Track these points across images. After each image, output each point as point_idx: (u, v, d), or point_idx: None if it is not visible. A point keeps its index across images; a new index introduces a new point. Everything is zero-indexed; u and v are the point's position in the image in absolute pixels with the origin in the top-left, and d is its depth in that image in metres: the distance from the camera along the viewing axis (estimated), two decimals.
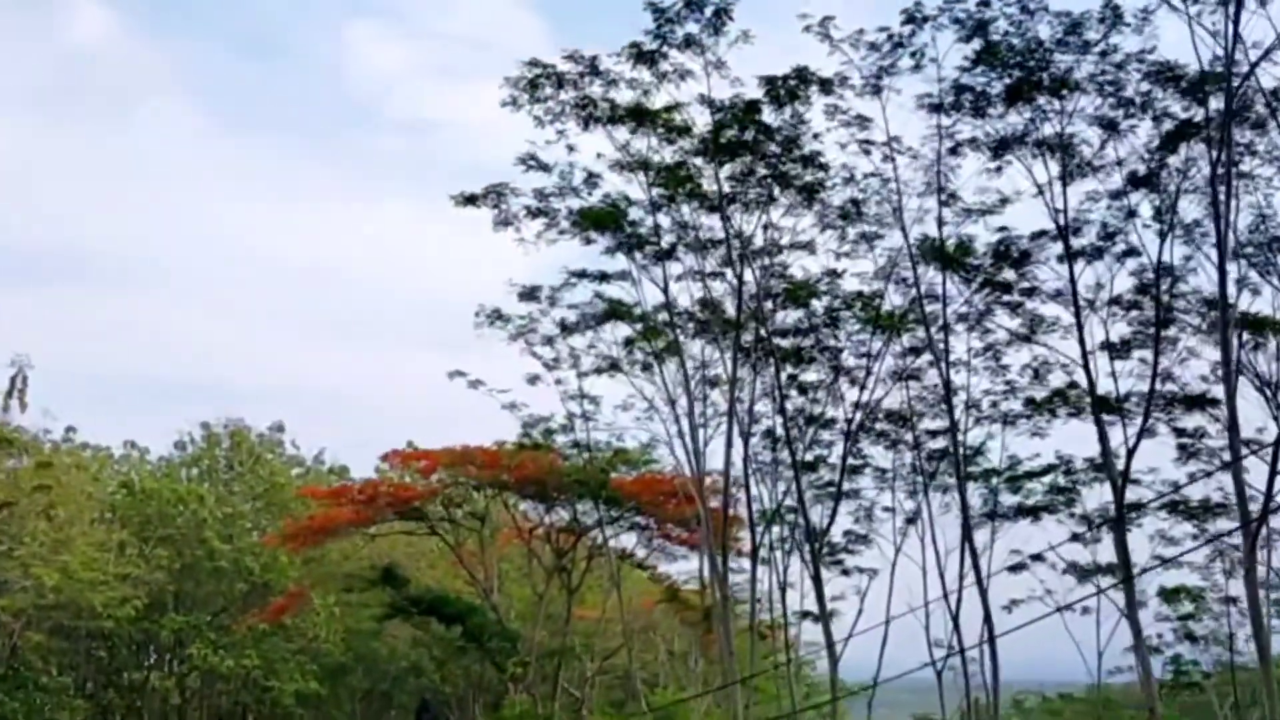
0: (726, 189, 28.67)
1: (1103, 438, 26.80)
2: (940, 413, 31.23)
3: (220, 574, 56.94)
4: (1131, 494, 28.19)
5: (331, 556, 54.29)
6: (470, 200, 30.01)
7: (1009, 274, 28.25)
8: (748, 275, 29.51)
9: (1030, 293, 28.36)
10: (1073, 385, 28.86)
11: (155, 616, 54.88)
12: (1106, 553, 30.87)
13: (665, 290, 30.55)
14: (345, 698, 66.82)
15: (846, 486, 32.66)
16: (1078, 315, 26.27)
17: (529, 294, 32.38)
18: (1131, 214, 26.41)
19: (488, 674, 68.04)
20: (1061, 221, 26.06)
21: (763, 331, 30.30)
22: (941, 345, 28.56)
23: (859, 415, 30.05)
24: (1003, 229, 27.91)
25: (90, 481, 55.97)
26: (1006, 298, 28.83)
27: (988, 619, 27.32)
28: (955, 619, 29.10)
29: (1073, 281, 26.28)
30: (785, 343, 30.96)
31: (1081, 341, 26.42)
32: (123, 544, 52.90)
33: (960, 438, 29.58)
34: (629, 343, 33.75)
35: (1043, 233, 27.21)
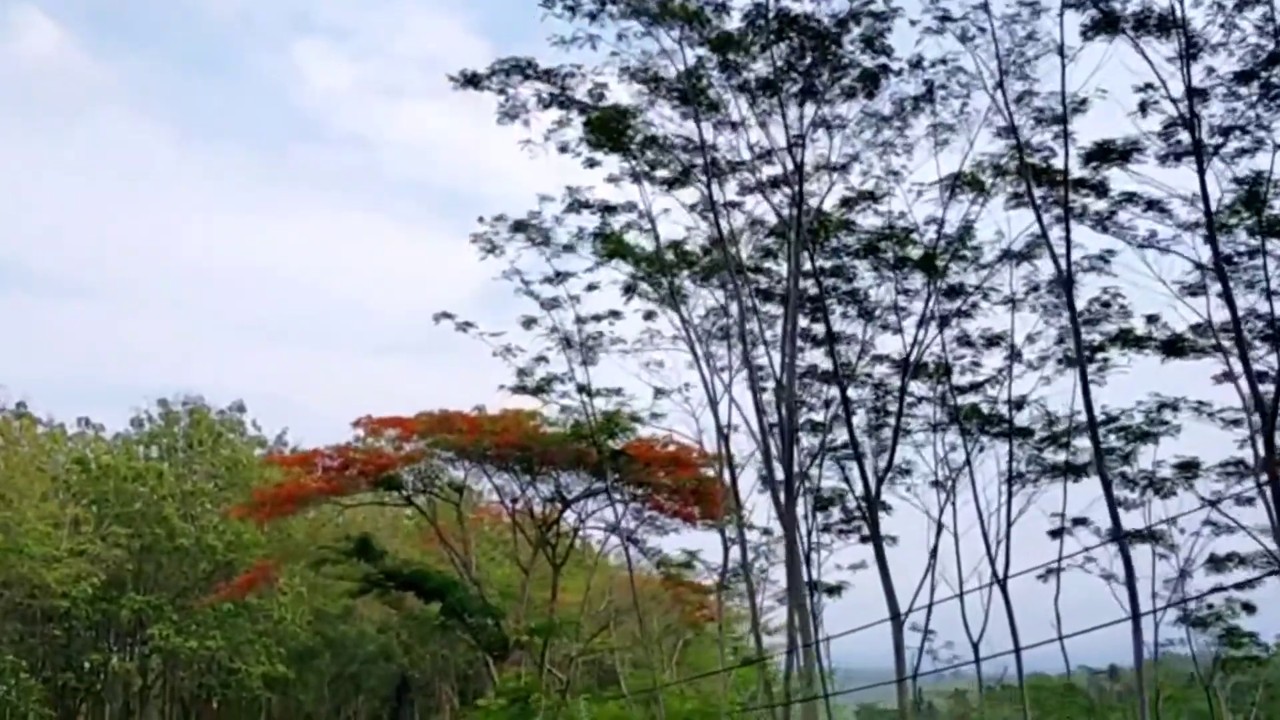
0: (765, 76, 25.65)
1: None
2: (977, 363, 29.03)
3: (181, 553, 54.30)
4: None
5: (298, 534, 51.73)
6: (472, 81, 26.96)
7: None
8: (776, 200, 27.04)
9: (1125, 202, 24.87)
10: (1153, 318, 26.09)
11: (114, 596, 52.22)
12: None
13: (718, 214, 27.45)
14: (313, 682, 64.36)
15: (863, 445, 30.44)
16: (1209, 217, 22.30)
17: (520, 226, 29.75)
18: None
19: (457, 658, 66.09)
20: (1183, 111, 22.17)
21: (785, 269, 27.84)
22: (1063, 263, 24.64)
23: (915, 352, 27.32)
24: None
25: (43, 456, 53.28)
26: (1098, 206, 25.19)
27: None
28: (1004, 586, 26.53)
29: (1202, 178, 22.10)
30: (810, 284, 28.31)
31: (1216, 252, 22.98)
32: (77, 520, 50.31)
33: (1008, 387, 27.41)
34: (629, 290, 31.26)
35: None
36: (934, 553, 27.91)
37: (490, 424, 41.07)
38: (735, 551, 32.27)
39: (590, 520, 44.90)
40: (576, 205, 29.19)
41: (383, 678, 68.38)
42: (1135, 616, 23.05)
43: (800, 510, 30.00)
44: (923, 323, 27.06)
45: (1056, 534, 29.96)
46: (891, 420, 29.77)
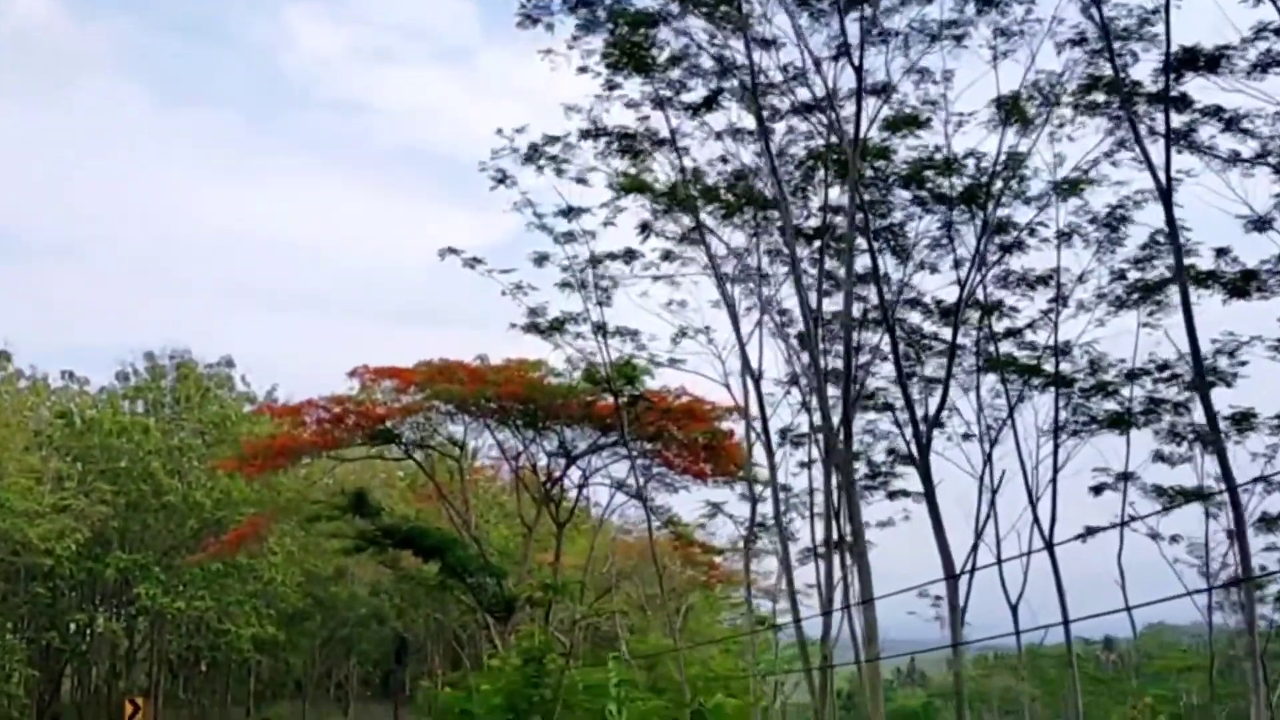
0: None
1: None
2: (1015, 309, 27.19)
3: (169, 510, 52.46)
4: None
5: (289, 491, 49.83)
6: None
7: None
8: (805, 127, 25.13)
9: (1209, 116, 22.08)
10: (1223, 251, 23.87)
11: (99, 554, 50.45)
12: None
13: (766, 129, 25.43)
14: (304, 644, 62.74)
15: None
16: None
17: (532, 155, 27.68)
18: None
19: (450, 621, 64.43)
20: None
21: (817, 203, 25.96)
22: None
23: (965, 291, 25.31)
24: None
25: (25, 409, 51.35)
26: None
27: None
28: (1051, 548, 24.70)
29: None
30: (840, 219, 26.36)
31: None
32: (60, 475, 48.43)
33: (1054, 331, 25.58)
34: (645, 228, 29.32)
35: None
36: (992, 504, 26.09)
37: (493, 374, 39.23)
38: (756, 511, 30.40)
39: (595, 479, 43.35)
40: (594, 132, 27.21)
41: (375, 641, 66.80)
42: (1246, 578, 21.16)
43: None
44: (975, 261, 25.05)
45: (1098, 490, 28.24)
46: (921, 371, 28.13)
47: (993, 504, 27.08)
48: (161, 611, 51.38)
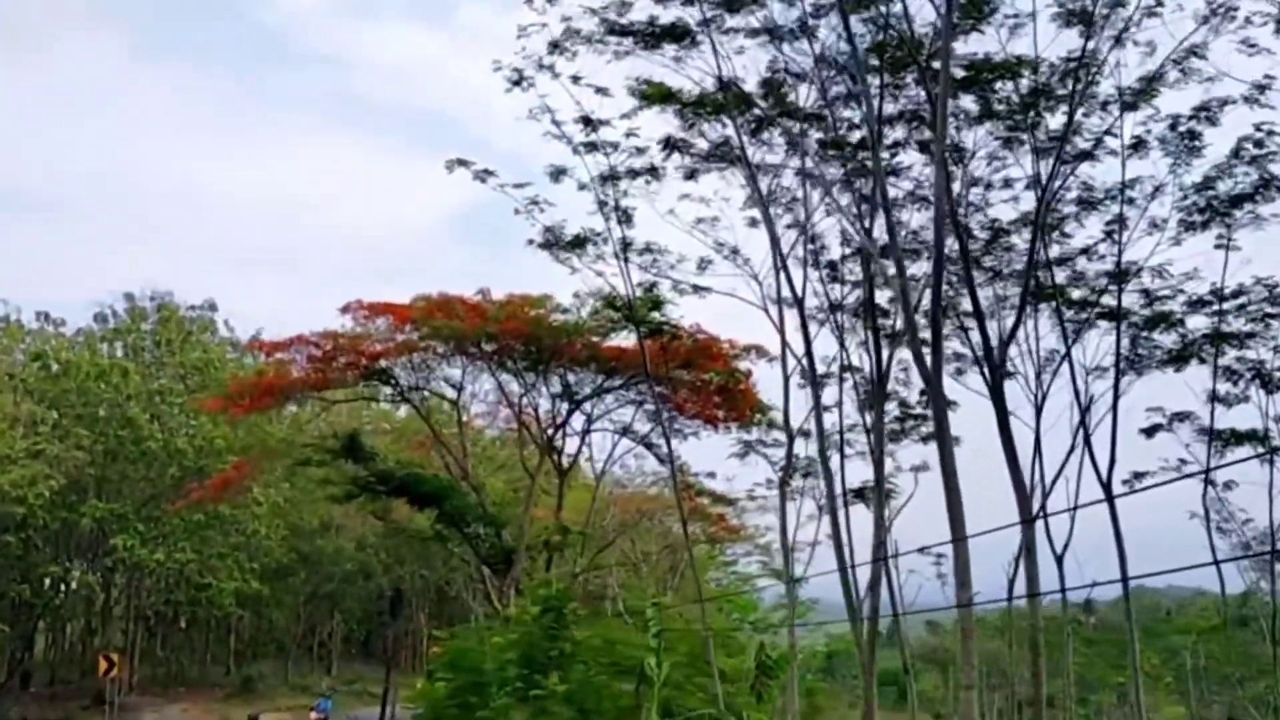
0: None
1: None
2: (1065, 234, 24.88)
3: (148, 458, 50.04)
4: None
5: (276, 436, 47.43)
6: None
7: None
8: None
9: None
10: None
11: (74, 503, 48.01)
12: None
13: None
14: (288, 600, 60.55)
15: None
16: None
17: (554, 50, 25.12)
18: None
19: (435, 577, 62.40)
20: None
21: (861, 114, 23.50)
22: None
23: (1045, 194, 22.81)
24: None
25: None
26: None
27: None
28: (1111, 498, 22.46)
29: None
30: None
31: None
32: (35, 419, 45.97)
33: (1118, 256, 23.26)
34: (669, 145, 26.92)
35: None
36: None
37: (495, 310, 36.92)
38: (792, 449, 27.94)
39: (598, 425, 41.17)
40: (619, 28, 24.77)
41: (360, 597, 64.65)
42: None
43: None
44: (1053, 170, 22.62)
45: (1151, 432, 26.06)
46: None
47: (1038, 449, 24.91)
48: (140, 564, 49.11)
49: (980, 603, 20.31)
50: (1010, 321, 25.07)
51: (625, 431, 41.22)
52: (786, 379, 26.23)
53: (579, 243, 26.67)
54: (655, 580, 55.97)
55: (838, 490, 24.10)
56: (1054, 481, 24.71)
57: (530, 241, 26.82)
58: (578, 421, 40.48)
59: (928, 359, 19.73)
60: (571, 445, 41.54)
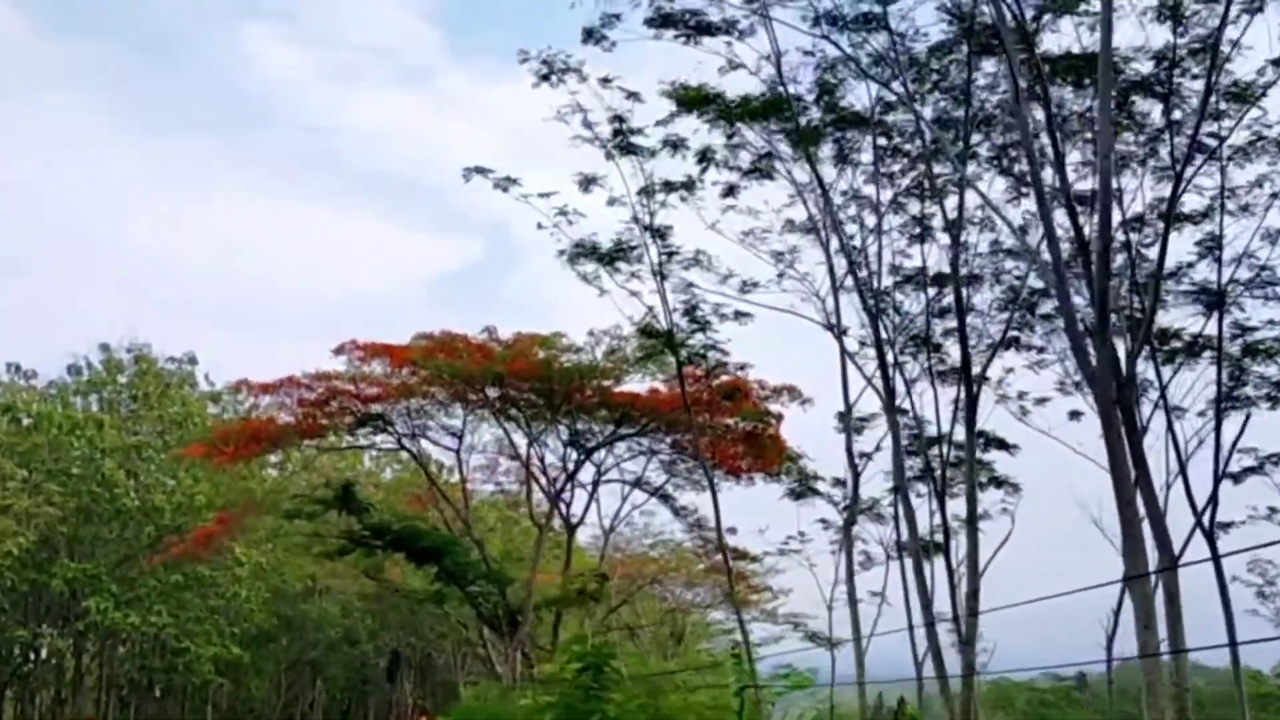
0: None
1: None
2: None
3: (123, 515, 46.98)
4: None
5: (260, 490, 44.50)
6: None
7: None
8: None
9: None
10: None
11: (45, 562, 44.93)
12: None
13: None
14: (269, 668, 57.25)
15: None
16: None
17: (591, 35, 22.59)
18: None
19: (423, 644, 59.20)
20: None
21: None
22: None
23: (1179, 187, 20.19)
24: None
25: None
26: None
27: None
28: (1218, 558, 19.84)
29: None
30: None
31: None
32: (3, 474, 43.02)
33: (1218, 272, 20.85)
34: (704, 157, 24.55)
35: None
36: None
37: (502, 350, 34.30)
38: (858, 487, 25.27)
39: (606, 477, 38.42)
40: (659, 20, 22.39)
41: (344, 665, 61.33)
42: None
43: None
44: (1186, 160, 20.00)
45: (1244, 474, 23.59)
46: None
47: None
48: (113, 628, 45.98)
49: (1085, 662, 17.71)
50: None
51: (638, 483, 38.51)
52: (849, 407, 23.72)
53: (617, 254, 24.06)
54: (657, 647, 53.15)
55: (910, 530, 21.52)
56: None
57: (561, 253, 24.28)
58: (585, 473, 37.91)
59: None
60: (577, 499, 38.86)
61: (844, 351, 23.76)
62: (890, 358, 24.78)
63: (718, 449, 36.66)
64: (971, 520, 20.91)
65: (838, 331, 23.68)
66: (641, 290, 24.68)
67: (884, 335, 23.19)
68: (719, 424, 35.61)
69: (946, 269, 24.09)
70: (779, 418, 33.84)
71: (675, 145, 24.31)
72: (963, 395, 22.09)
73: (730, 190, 24.98)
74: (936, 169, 24.53)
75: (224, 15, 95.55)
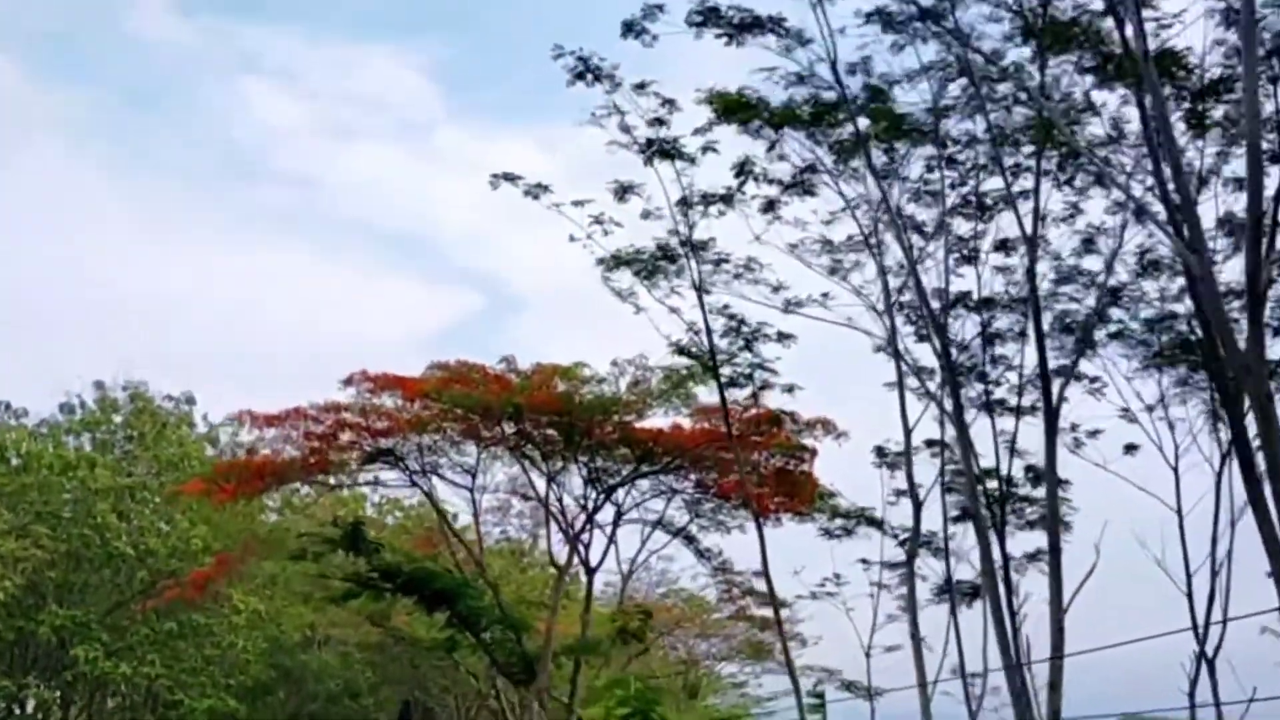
0: None
1: None
2: None
3: (115, 560, 44.74)
4: None
5: (262, 528, 42.45)
6: None
7: None
8: None
9: None
10: None
11: (31, 608, 42.73)
12: None
13: None
14: None
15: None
16: None
17: (629, 32, 20.94)
18: None
19: (426, 697, 56.99)
20: None
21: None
22: None
23: None
24: None
25: None
26: None
27: None
28: None
29: None
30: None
31: None
32: None
33: None
34: (742, 170, 22.93)
35: None
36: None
37: (522, 381, 32.51)
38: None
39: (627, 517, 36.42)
40: (702, 15, 20.73)
41: (345, 719, 58.91)
42: None
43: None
44: None
45: None
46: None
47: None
48: (103, 678, 43.63)
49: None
50: None
51: (659, 524, 36.54)
52: (909, 431, 21.90)
53: (662, 259, 22.26)
54: (671, 699, 51.11)
55: (983, 562, 19.63)
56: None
57: (600, 261, 22.48)
58: (601, 514, 35.96)
59: None
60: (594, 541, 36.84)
61: (901, 372, 22.01)
62: (941, 383, 23.20)
63: (744, 487, 34.91)
64: (1054, 550, 19.00)
65: (895, 350, 21.94)
66: (681, 306, 22.87)
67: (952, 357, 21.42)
68: (747, 460, 33.87)
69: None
70: (813, 453, 32.05)
71: (716, 151, 22.68)
72: (1041, 412, 20.22)
73: (770, 205, 23.30)
74: (990, 184, 23.06)
75: (222, 68, 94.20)
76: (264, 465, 32.88)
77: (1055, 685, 18.32)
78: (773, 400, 26.03)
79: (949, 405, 23.32)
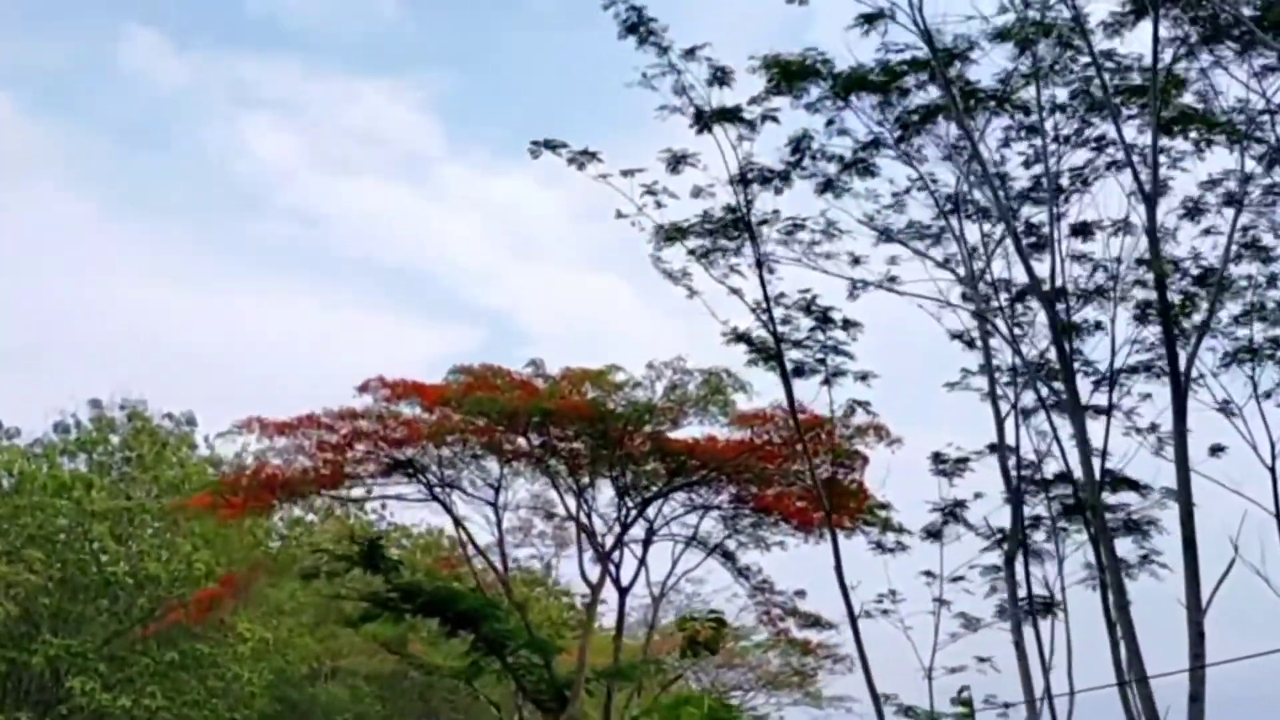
0: None
1: None
2: None
3: (113, 587, 42.31)
4: None
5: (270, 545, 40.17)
6: None
7: None
8: None
9: None
10: None
11: (25, 639, 40.36)
12: None
13: None
14: None
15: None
16: None
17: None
18: None
19: None
20: None
21: None
22: None
23: None
24: None
25: None
26: None
27: None
28: None
29: None
30: None
31: None
32: None
33: None
34: (797, 147, 20.86)
35: None
36: None
37: (551, 386, 30.36)
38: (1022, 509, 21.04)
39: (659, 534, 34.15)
40: None
41: None
42: None
43: None
44: None
45: None
46: None
47: None
48: (100, 711, 41.10)
49: None
50: None
51: (693, 540, 34.29)
52: (1000, 421, 19.72)
53: (732, 224, 20.04)
54: None
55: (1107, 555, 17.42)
56: None
57: (659, 228, 20.26)
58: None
59: None
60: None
61: (989, 356, 19.84)
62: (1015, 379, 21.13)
63: (784, 501, 32.78)
64: (1189, 544, 16.75)
65: (983, 333, 19.84)
66: (742, 287, 20.66)
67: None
68: (788, 470, 31.80)
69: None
70: (865, 460, 29.81)
71: (776, 120, 20.56)
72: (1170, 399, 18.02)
73: (828, 185, 21.19)
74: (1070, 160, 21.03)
75: (220, 104, 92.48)
76: (274, 478, 30.56)
77: (1197, 697, 16.04)
78: (844, 392, 23.33)
79: (1026, 401, 21.36)
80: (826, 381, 21.45)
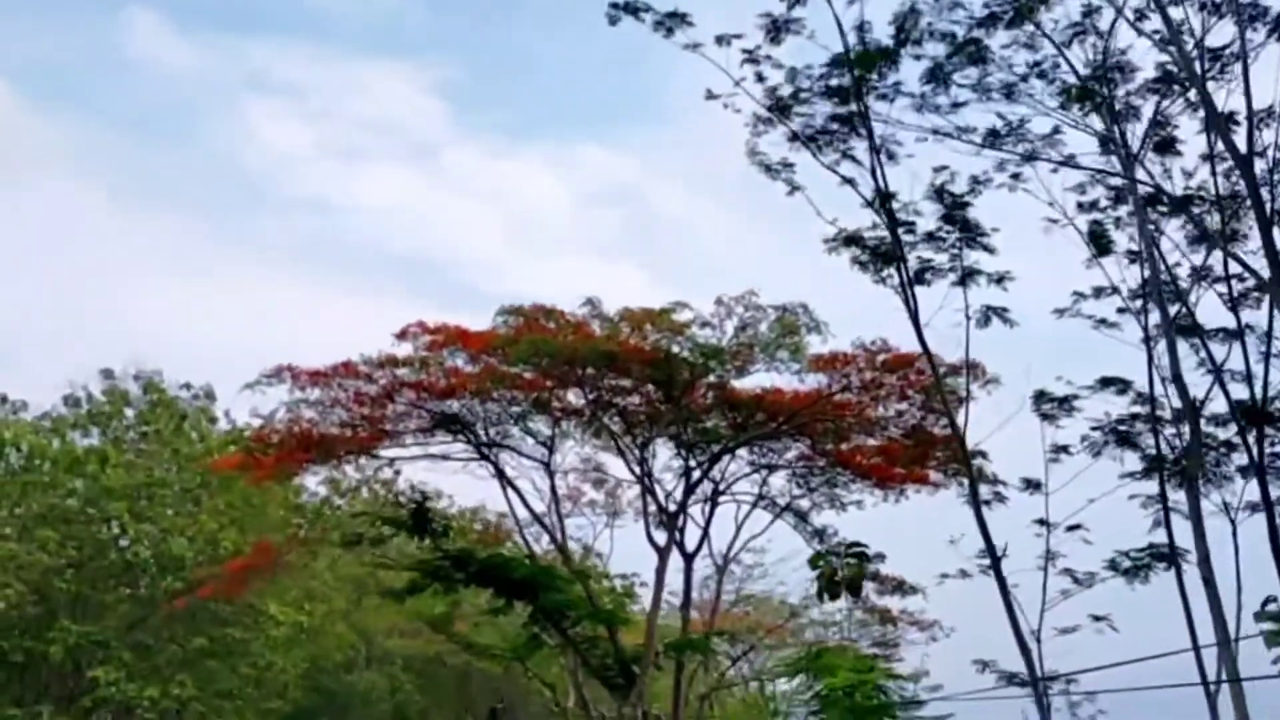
0: None
1: None
2: None
3: (135, 568, 39.44)
4: None
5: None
6: None
7: None
8: None
9: None
10: None
11: (42, 626, 37.58)
12: None
13: None
14: None
15: None
16: None
17: None
18: None
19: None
20: None
21: None
22: None
23: None
24: None
25: None
26: None
27: None
28: None
29: None
30: None
31: None
32: None
33: None
34: (902, 30, 17.79)
35: None
36: None
37: (610, 328, 27.35)
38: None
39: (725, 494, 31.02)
40: None
41: None
42: None
43: None
44: None
45: None
46: None
47: None
48: (127, 703, 38.24)
49: None
50: None
51: (760, 500, 31.15)
52: (1171, 321, 16.65)
53: (854, 97, 16.90)
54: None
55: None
56: None
57: (770, 105, 17.11)
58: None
59: None
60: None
61: (1152, 251, 16.76)
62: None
63: (859, 453, 29.68)
64: None
65: (1140, 217, 16.70)
66: (856, 177, 17.53)
67: None
68: (869, 420, 28.78)
69: None
70: (962, 400, 26.46)
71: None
72: None
73: (935, 71, 18.07)
74: None
75: (226, 90, 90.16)
76: (308, 434, 27.48)
77: None
78: (979, 296, 19.80)
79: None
80: (962, 281, 18.25)
